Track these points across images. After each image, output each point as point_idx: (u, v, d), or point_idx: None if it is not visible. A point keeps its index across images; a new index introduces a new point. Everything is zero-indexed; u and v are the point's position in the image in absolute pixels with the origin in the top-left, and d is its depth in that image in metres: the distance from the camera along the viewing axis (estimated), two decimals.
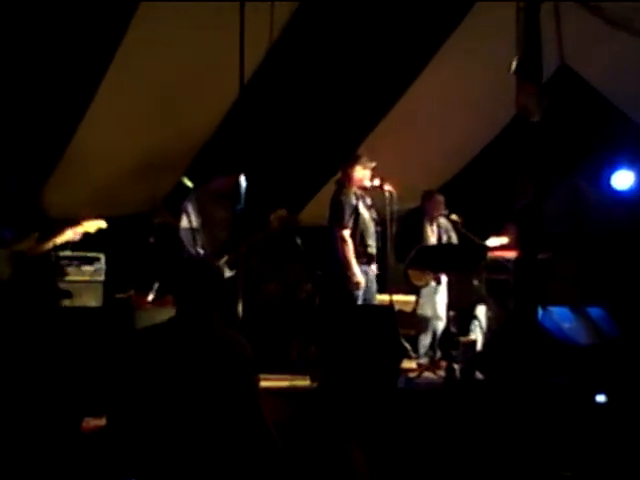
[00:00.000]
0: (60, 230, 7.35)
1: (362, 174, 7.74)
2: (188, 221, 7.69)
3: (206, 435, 3.72)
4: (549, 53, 6.77)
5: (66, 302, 7.57)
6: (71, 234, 7.34)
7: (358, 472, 3.71)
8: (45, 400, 5.54)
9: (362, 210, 7.71)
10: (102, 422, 4.81)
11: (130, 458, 3.76)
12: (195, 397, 3.75)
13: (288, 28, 7.79)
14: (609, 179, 9.75)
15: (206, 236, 7.72)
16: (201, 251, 7.70)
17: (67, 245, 7.50)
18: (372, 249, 7.73)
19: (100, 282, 8.35)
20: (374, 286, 7.84)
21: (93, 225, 7.42)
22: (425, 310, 8.37)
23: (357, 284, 7.50)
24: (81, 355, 5.98)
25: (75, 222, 7.39)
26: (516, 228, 8.10)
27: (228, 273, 7.32)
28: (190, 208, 7.76)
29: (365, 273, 7.65)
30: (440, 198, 8.62)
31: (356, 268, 7.51)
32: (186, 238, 7.70)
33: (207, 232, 7.73)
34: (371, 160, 7.78)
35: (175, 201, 8.35)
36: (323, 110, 8.77)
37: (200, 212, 7.77)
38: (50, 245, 7.31)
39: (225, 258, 7.51)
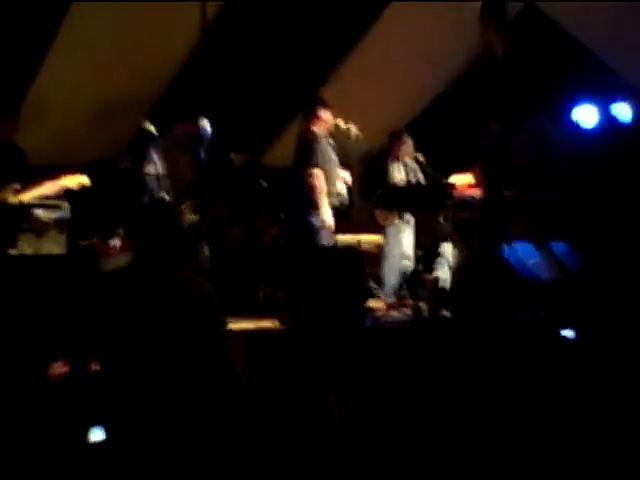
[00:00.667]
0: (38, 182, 7.20)
1: (328, 116, 7.70)
2: (154, 168, 7.63)
3: (172, 378, 3.71)
4: None
5: (30, 249, 7.49)
6: (50, 187, 7.19)
7: (330, 416, 3.73)
8: (11, 347, 5.52)
9: (327, 150, 7.68)
10: (66, 368, 4.82)
11: (97, 403, 3.76)
12: (159, 340, 3.74)
13: None
14: (572, 115, 9.77)
15: (170, 181, 7.67)
16: (165, 196, 7.65)
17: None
18: (338, 190, 7.70)
19: (64, 229, 8.27)
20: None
21: (74, 180, 7.25)
22: (391, 249, 8.38)
23: (328, 226, 7.49)
24: (46, 303, 5.94)
25: (54, 174, 7.23)
26: (481, 165, 8.10)
27: (192, 217, 7.28)
28: (155, 154, 7.68)
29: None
30: (407, 138, 8.57)
31: (326, 208, 7.48)
32: (151, 184, 7.64)
33: (171, 178, 7.67)
34: (339, 105, 7.74)
35: (137, 146, 8.27)
36: (285, 49, 8.69)
37: (165, 158, 7.70)
38: (28, 198, 7.17)
39: (189, 202, 7.47)
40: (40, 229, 7.79)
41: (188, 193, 7.52)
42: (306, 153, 7.61)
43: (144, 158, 7.70)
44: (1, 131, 7.13)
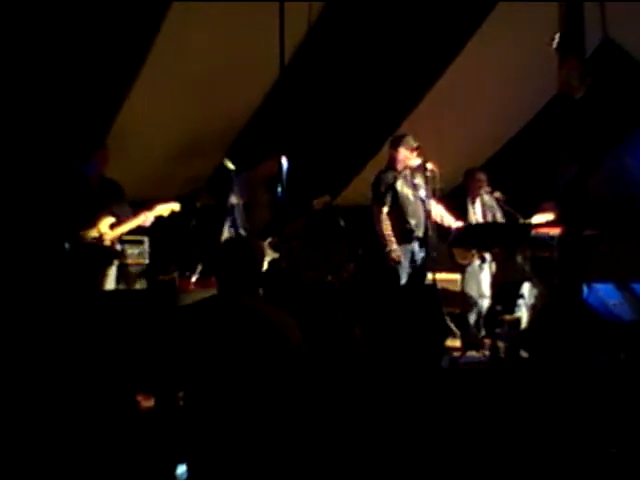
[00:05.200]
0: (134, 214, 7.40)
1: (404, 154, 7.80)
2: (236, 198, 7.76)
3: (252, 413, 3.72)
4: (592, 27, 6.67)
5: (112, 286, 7.62)
6: (144, 218, 7.38)
7: None
8: (102, 381, 5.61)
9: (401, 188, 7.77)
10: (150, 403, 4.88)
11: (180, 439, 3.78)
12: (238, 375, 3.74)
13: (327, 8, 7.78)
14: None
15: (249, 218, 7.78)
16: (243, 232, 7.76)
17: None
18: (411, 227, 7.77)
19: (144, 265, 8.39)
20: (421, 265, 7.85)
21: (167, 208, 7.45)
22: (470, 288, 8.33)
23: (395, 260, 7.57)
24: (128, 338, 6.03)
25: (148, 205, 7.42)
26: (559, 205, 8.02)
27: (272, 255, 7.36)
28: (237, 189, 7.84)
29: (409, 252, 7.71)
30: (482, 176, 8.56)
31: (394, 244, 7.59)
32: (236, 213, 7.77)
33: (251, 215, 7.80)
34: (414, 140, 7.81)
35: (216, 184, 8.37)
36: (365, 89, 8.76)
37: (245, 195, 7.83)
38: (124, 230, 7.36)
39: (269, 240, 7.56)
40: (124, 264, 7.95)
41: (266, 231, 7.62)
42: (375, 192, 7.82)
43: (223, 194, 7.84)
44: (95, 166, 7.34)
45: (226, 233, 7.81)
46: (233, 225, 7.77)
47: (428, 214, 7.83)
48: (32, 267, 7.15)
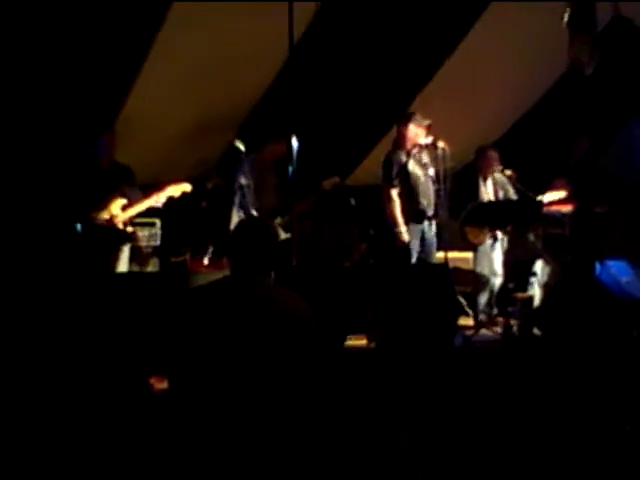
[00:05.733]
0: (145, 195, 7.43)
1: (415, 132, 7.78)
2: (245, 179, 7.76)
3: (264, 395, 3.72)
4: (602, 3, 6.61)
5: (124, 267, 7.63)
6: (155, 199, 7.41)
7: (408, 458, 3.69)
8: (116, 362, 5.63)
9: (412, 168, 7.74)
10: (163, 385, 4.89)
11: (192, 419, 3.79)
12: (251, 357, 3.73)
13: None
14: None
15: (258, 200, 7.77)
16: (255, 212, 7.76)
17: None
18: (423, 206, 7.76)
19: (156, 247, 8.41)
20: (432, 246, 7.85)
21: (178, 189, 7.47)
22: (482, 267, 8.31)
23: (403, 242, 7.57)
24: (140, 320, 6.05)
25: (159, 187, 7.44)
26: (571, 182, 7.99)
27: (283, 235, 7.34)
28: (246, 170, 7.83)
29: (420, 231, 7.70)
30: (493, 154, 8.53)
31: (402, 226, 7.58)
32: (242, 195, 7.77)
33: (259, 196, 7.78)
34: (425, 118, 7.78)
35: (227, 165, 8.37)
36: (374, 68, 8.72)
37: (254, 176, 7.82)
38: (135, 212, 7.39)
39: (278, 220, 7.55)
40: (137, 246, 7.97)
41: (274, 213, 7.62)
42: (385, 172, 7.79)
43: (235, 173, 7.83)
44: (104, 149, 7.35)
45: (235, 216, 7.80)
46: (242, 207, 7.76)
47: (437, 193, 7.81)
48: (44, 249, 7.19)
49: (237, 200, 7.80)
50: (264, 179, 7.85)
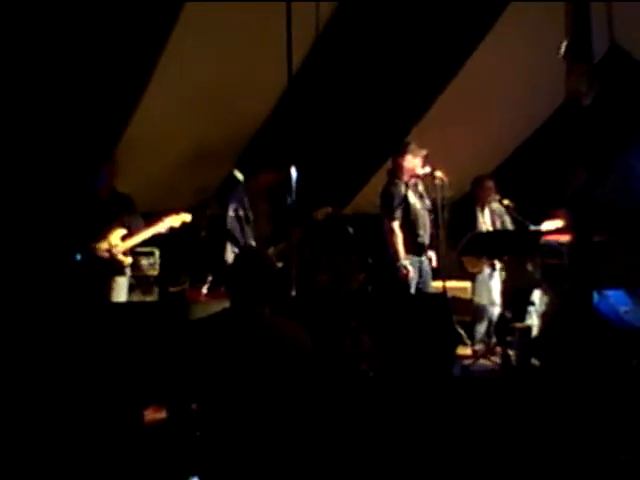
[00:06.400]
0: (145, 225, 7.44)
1: (413, 163, 7.78)
2: (234, 211, 7.77)
3: (265, 424, 3.72)
4: (599, 34, 6.65)
5: (123, 297, 7.63)
6: (155, 230, 7.42)
7: None
8: (108, 394, 5.62)
9: (412, 200, 7.74)
10: (162, 414, 4.88)
11: (191, 452, 3.79)
12: (252, 387, 3.75)
13: (334, 18, 7.81)
14: None
15: (252, 229, 7.81)
16: (252, 242, 7.77)
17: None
18: (423, 239, 7.77)
19: (155, 276, 8.41)
20: (429, 276, 7.86)
21: (178, 219, 7.49)
22: (480, 296, 8.32)
23: (405, 275, 7.54)
24: (139, 349, 6.04)
25: (159, 217, 7.46)
26: (568, 212, 8.01)
27: (278, 264, 7.35)
28: (237, 199, 7.85)
29: (418, 263, 7.70)
30: (490, 183, 8.56)
31: (404, 259, 7.56)
32: (233, 227, 7.79)
33: (253, 225, 7.82)
34: (421, 148, 7.79)
35: (226, 194, 8.39)
36: (371, 99, 8.77)
37: (248, 204, 7.85)
38: (135, 242, 7.40)
39: (272, 249, 7.57)
40: (136, 276, 7.98)
41: (268, 241, 7.65)
42: (385, 206, 7.77)
43: (227, 201, 7.87)
44: (104, 179, 7.38)
45: (228, 248, 7.84)
46: (233, 240, 7.80)
47: (432, 223, 7.82)
48: (42, 278, 7.19)
49: (229, 238, 7.84)
50: (257, 207, 7.88)
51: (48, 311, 6.51)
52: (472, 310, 8.34)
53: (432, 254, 7.95)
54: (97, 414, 5.36)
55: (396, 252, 7.60)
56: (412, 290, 7.66)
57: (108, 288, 7.37)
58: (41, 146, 7.62)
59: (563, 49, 6.00)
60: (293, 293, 6.24)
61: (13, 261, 7.29)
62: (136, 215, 7.55)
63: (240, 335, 3.83)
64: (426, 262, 7.84)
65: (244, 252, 6.53)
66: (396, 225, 7.65)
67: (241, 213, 7.81)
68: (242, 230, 7.78)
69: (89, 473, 4.70)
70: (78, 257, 7.12)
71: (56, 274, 7.17)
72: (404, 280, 7.56)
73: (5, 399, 5.40)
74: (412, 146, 7.84)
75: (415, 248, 7.71)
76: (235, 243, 7.85)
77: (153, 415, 5.16)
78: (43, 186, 7.67)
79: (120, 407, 5.47)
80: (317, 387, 3.95)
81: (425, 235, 7.80)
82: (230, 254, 7.90)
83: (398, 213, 7.67)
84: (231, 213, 7.85)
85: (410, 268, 7.58)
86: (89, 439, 5.02)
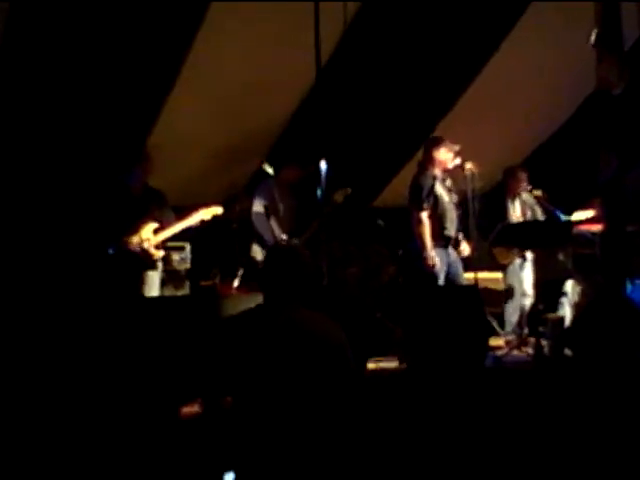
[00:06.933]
0: (177, 219, 7.51)
1: (446, 156, 7.75)
2: (259, 205, 7.83)
3: (300, 421, 3.73)
4: (629, 23, 6.61)
5: (155, 291, 7.69)
6: (186, 223, 7.48)
7: None
8: (144, 389, 5.66)
9: (441, 192, 7.72)
10: (196, 409, 4.91)
11: (227, 447, 3.79)
12: (286, 383, 3.74)
13: (361, 14, 7.79)
14: None
15: (279, 222, 7.87)
16: (283, 236, 7.81)
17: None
18: (449, 232, 7.75)
19: (186, 271, 8.45)
20: (459, 267, 7.83)
21: (209, 212, 7.55)
22: (512, 287, 8.29)
23: (432, 266, 7.54)
24: (171, 343, 6.08)
25: (190, 211, 7.52)
26: (601, 200, 7.96)
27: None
28: (266, 193, 7.91)
29: (446, 255, 7.68)
30: (523, 174, 8.51)
31: (431, 250, 7.55)
32: (258, 222, 7.84)
33: (276, 219, 7.87)
34: (454, 143, 7.77)
35: (256, 187, 8.41)
36: (397, 94, 8.76)
37: (279, 197, 7.90)
38: (167, 235, 7.47)
39: (295, 241, 7.61)
40: (168, 270, 8.04)
41: (292, 233, 7.70)
42: (414, 197, 7.73)
43: (252, 196, 7.95)
44: (137, 176, 7.46)
45: (254, 244, 7.92)
46: (258, 238, 7.87)
47: (459, 218, 7.81)
48: (76, 272, 7.28)
49: (253, 227, 7.91)
50: (281, 201, 7.95)
51: (83, 305, 6.58)
52: (504, 301, 8.30)
53: (465, 244, 7.93)
54: (131, 408, 5.39)
55: (423, 243, 7.57)
56: (441, 281, 7.65)
57: (141, 283, 7.43)
58: (74, 146, 7.71)
59: (593, 38, 5.98)
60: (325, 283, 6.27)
61: (47, 255, 7.39)
62: (167, 209, 7.60)
63: (274, 331, 3.82)
64: (454, 254, 7.82)
65: (277, 248, 6.54)
66: (424, 216, 7.62)
67: (269, 207, 7.85)
68: (268, 224, 7.83)
69: (126, 467, 4.73)
70: (110, 251, 7.19)
71: (91, 267, 7.26)
72: (431, 271, 7.54)
73: (39, 392, 5.45)
74: (446, 141, 7.82)
75: (442, 240, 7.70)
76: (258, 239, 7.90)
77: (189, 409, 5.19)
78: (76, 184, 7.77)
79: (154, 401, 5.51)
80: (352, 383, 3.93)
81: (452, 229, 7.78)
82: (255, 249, 7.96)
83: (427, 204, 7.65)
84: (255, 208, 7.91)
85: (437, 259, 7.57)
86: (125, 434, 5.06)
